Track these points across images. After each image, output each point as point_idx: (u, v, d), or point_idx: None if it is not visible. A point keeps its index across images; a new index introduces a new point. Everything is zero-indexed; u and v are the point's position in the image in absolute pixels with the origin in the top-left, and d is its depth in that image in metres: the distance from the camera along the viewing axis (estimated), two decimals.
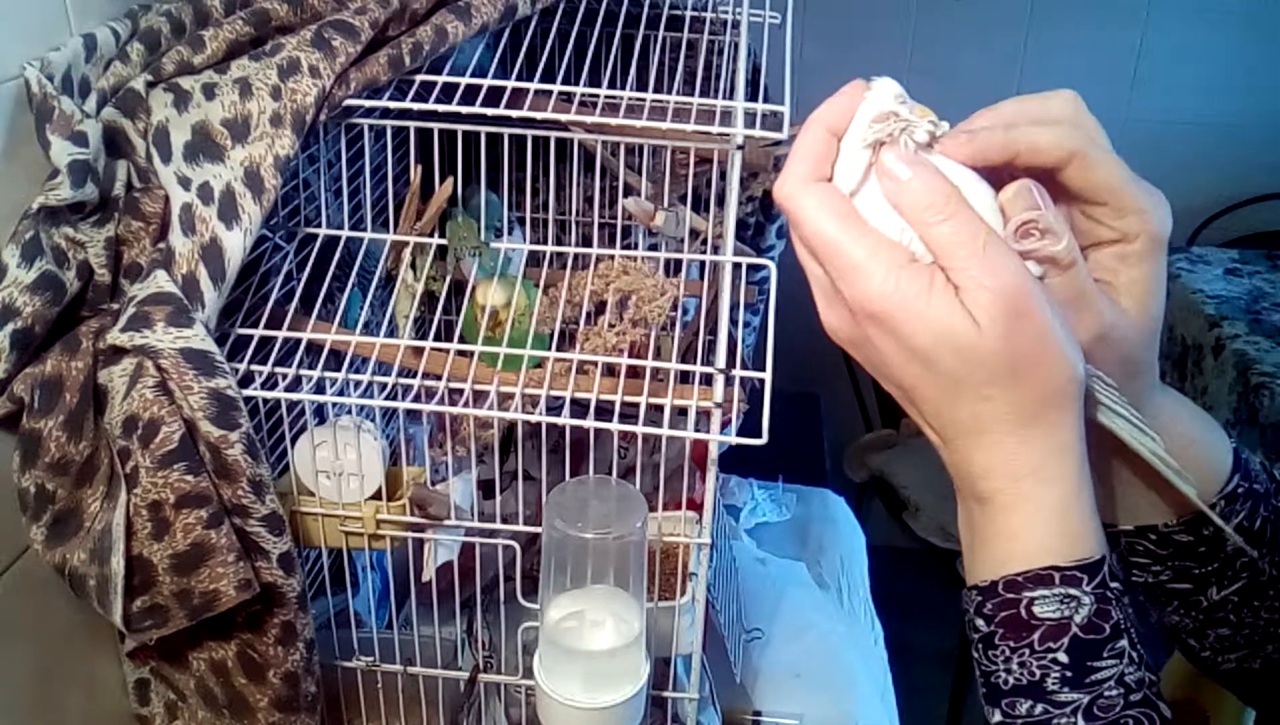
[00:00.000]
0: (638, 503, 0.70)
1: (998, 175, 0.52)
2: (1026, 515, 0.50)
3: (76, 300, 0.67)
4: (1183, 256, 2.23)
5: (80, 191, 0.64)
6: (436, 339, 0.73)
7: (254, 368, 0.69)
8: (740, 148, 0.70)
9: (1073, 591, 0.48)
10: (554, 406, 0.70)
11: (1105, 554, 0.50)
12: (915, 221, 0.49)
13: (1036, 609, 0.49)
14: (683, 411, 0.70)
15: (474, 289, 0.79)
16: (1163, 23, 2.39)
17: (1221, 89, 2.42)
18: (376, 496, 0.74)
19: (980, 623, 0.51)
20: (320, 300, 0.75)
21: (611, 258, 0.80)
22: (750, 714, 1.04)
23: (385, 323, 0.76)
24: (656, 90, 0.74)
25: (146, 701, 0.80)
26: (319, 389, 0.69)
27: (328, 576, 0.94)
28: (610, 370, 0.73)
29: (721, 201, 0.80)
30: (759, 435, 0.66)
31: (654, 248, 0.87)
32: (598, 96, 0.73)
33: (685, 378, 0.72)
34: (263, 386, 0.68)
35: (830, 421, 2.23)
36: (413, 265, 0.80)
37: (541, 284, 0.81)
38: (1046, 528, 0.50)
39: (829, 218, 0.49)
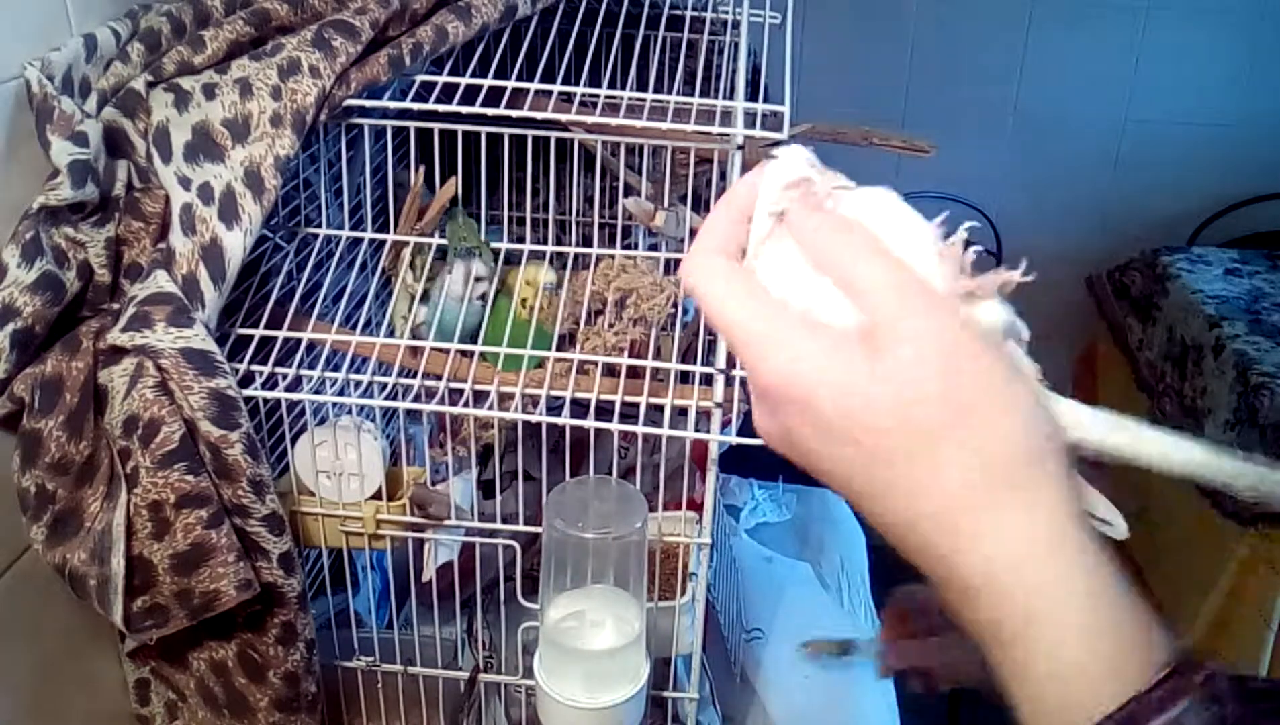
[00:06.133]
0: (638, 503, 0.70)
1: None
2: (1053, 638, 0.37)
3: (76, 300, 0.67)
4: (1183, 256, 2.23)
5: (80, 191, 0.64)
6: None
7: (254, 368, 0.69)
8: (740, 148, 0.70)
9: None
10: (554, 406, 0.70)
11: (1187, 652, 0.37)
12: (830, 268, 0.42)
13: None
14: (683, 411, 0.70)
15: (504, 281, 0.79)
16: (1162, 23, 2.38)
17: (1221, 89, 2.42)
18: (376, 496, 0.74)
19: None
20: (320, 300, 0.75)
21: (611, 257, 0.80)
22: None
23: (385, 323, 0.76)
24: (656, 90, 0.74)
25: (146, 701, 0.80)
26: (319, 389, 0.69)
27: (328, 576, 0.94)
28: (610, 370, 0.73)
29: None
30: (759, 435, 0.66)
31: (654, 248, 0.87)
32: (598, 96, 0.73)
33: (685, 378, 0.72)
34: (263, 386, 0.68)
35: None
36: (412, 265, 0.80)
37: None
38: (1090, 646, 0.37)
39: (728, 290, 0.43)
